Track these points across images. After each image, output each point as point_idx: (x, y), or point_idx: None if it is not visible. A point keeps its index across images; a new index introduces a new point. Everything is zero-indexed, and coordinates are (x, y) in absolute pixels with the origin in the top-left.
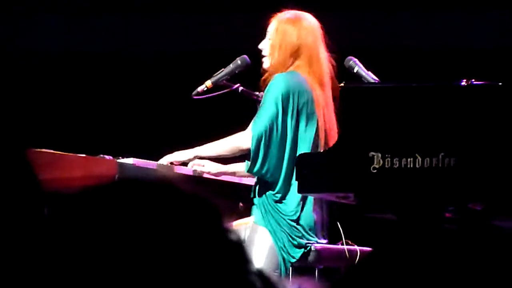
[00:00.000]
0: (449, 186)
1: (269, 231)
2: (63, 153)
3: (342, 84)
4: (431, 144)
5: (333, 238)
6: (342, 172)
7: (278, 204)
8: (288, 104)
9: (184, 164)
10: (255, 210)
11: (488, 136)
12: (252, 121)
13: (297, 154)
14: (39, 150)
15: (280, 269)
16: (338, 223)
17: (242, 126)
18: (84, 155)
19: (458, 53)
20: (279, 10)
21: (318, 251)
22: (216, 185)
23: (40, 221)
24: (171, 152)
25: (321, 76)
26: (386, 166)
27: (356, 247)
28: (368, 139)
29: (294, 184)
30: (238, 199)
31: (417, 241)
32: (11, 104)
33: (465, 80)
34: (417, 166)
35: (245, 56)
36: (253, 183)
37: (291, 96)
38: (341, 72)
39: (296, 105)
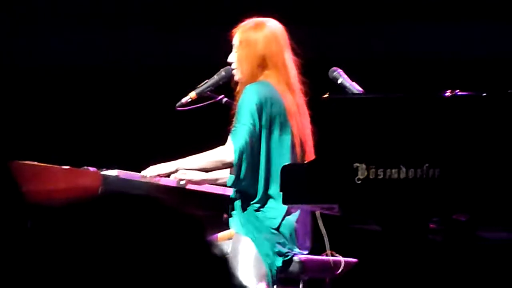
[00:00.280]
0: (434, 197)
1: (252, 239)
2: (46, 165)
3: (326, 95)
4: (416, 155)
5: (318, 249)
6: (326, 183)
7: (257, 212)
8: (262, 115)
9: (168, 176)
10: (233, 220)
11: (473, 147)
12: (230, 134)
13: (272, 163)
14: (22, 162)
15: (267, 278)
16: (324, 234)
17: (226, 137)
18: (68, 167)
19: (445, 62)
20: (241, 20)
21: (302, 262)
22: (199, 197)
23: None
24: (155, 163)
25: (290, 83)
26: (371, 177)
27: (340, 258)
28: (352, 150)
29: (273, 193)
30: (222, 210)
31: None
32: None
33: (449, 91)
34: (401, 177)
35: (229, 67)
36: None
37: (264, 106)
38: (325, 83)
39: (269, 115)
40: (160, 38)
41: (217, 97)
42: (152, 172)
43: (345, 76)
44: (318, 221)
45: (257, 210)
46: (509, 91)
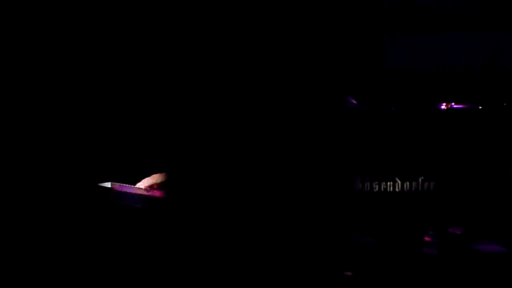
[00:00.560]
0: (429, 210)
1: None
2: None
3: None
4: (411, 168)
5: None
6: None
7: None
8: None
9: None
10: None
11: (468, 160)
12: None
13: None
14: None
15: None
16: None
17: None
18: None
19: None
20: None
21: None
22: None
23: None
24: (149, 175)
25: None
26: (366, 189)
27: None
28: (348, 163)
29: None
30: None
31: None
32: None
33: (444, 104)
34: (396, 189)
35: None
36: None
37: None
38: None
39: None
40: None
41: None
42: (147, 183)
43: None
44: None
45: None
46: (504, 103)
